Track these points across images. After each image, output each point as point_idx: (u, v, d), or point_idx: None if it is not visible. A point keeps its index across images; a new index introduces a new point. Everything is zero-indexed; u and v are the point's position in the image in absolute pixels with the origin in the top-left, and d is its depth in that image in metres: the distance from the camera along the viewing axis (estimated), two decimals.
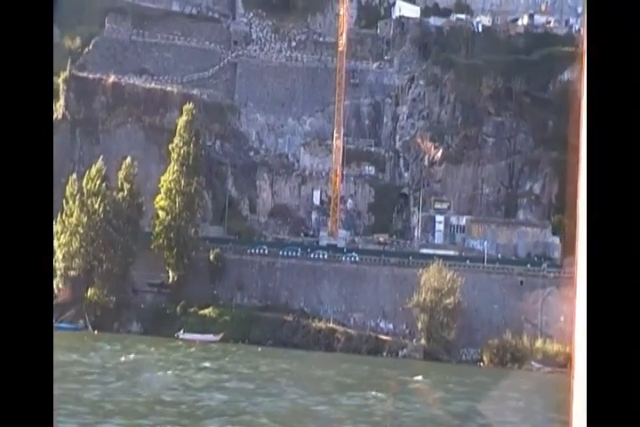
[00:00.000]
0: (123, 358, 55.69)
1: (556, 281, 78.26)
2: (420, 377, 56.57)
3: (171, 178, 78.72)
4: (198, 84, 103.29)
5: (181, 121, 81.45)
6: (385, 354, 75.45)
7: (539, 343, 74.79)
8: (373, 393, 46.16)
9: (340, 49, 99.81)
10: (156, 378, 47.46)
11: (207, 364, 57.39)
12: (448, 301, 74.21)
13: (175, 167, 79.52)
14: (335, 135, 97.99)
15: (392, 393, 49.06)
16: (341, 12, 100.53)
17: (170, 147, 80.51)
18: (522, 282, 79.06)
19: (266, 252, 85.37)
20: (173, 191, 78.99)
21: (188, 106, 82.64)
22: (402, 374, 60.72)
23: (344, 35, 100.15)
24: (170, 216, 78.58)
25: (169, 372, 50.72)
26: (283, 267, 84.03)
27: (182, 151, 79.86)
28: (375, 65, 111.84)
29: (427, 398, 46.67)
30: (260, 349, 71.37)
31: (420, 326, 76.43)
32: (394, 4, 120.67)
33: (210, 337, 72.99)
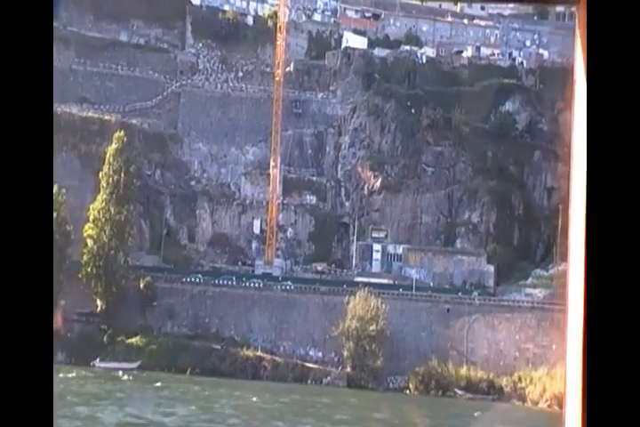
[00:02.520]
0: None
1: (481, 308, 78.85)
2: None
3: (99, 206, 79.11)
4: (140, 113, 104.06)
5: (111, 149, 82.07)
6: (310, 382, 75.62)
7: (463, 370, 75.16)
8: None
9: (278, 79, 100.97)
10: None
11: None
12: (372, 328, 74.66)
13: (104, 196, 79.99)
14: (272, 164, 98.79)
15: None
16: (278, 43, 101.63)
17: (99, 175, 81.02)
18: (448, 310, 79.58)
19: (199, 280, 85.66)
20: (102, 220, 79.33)
21: (119, 134, 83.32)
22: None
23: (281, 65, 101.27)
24: (98, 245, 78.88)
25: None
26: (214, 295, 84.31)
27: (112, 179, 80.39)
28: (320, 95, 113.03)
29: None
30: (183, 377, 71.48)
31: (345, 353, 76.74)
32: (343, 35, 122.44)
33: (127, 365, 73.02)
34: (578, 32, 2.38)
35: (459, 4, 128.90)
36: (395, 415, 58.87)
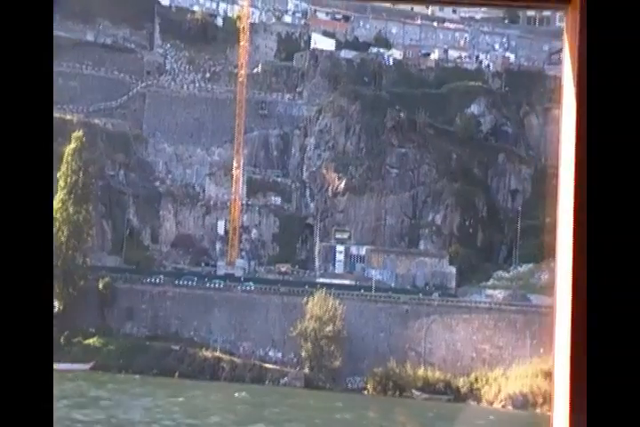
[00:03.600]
0: None
1: (439, 309, 79.07)
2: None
3: (56, 206, 78.82)
4: (104, 113, 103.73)
5: (69, 149, 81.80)
6: (267, 382, 75.59)
7: (421, 371, 75.33)
8: None
9: (241, 80, 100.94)
10: None
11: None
12: (329, 328, 74.73)
13: (61, 196, 79.72)
14: (235, 165, 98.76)
15: None
16: (242, 44, 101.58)
17: (57, 175, 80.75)
18: (407, 310, 79.76)
19: (159, 281, 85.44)
20: (60, 220, 79.04)
21: (77, 133, 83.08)
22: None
23: (244, 66, 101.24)
24: (55, 245, 78.53)
25: None
26: (175, 296, 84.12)
27: (70, 179, 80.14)
28: (288, 97, 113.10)
29: None
30: (137, 377, 71.35)
31: (303, 354, 76.74)
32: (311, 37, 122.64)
33: (79, 366, 72.71)
34: (566, 36, 2.36)
35: (430, 7, 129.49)
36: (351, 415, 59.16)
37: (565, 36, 2.34)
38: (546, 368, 68.40)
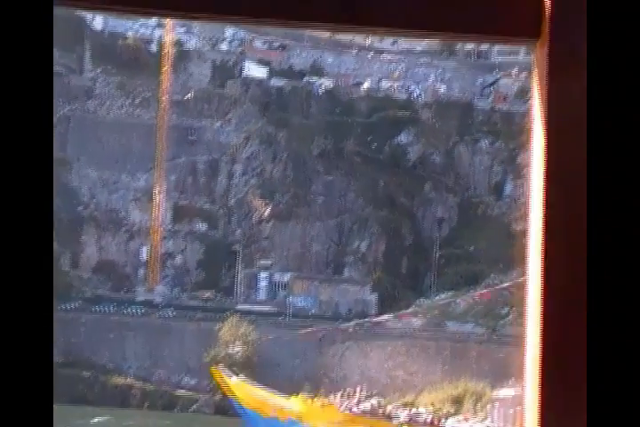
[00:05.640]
0: None
1: (354, 336, 78.75)
2: None
3: None
4: None
5: None
6: (177, 409, 74.54)
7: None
8: None
9: (163, 106, 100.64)
10: None
11: None
12: (238, 355, 73.99)
13: None
14: (156, 191, 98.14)
15: None
16: (164, 69, 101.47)
17: None
18: (322, 337, 79.37)
19: (74, 307, 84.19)
20: None
21: None
22: None
23: (166, 92, 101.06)
24: None
25: None
26: (88, 322, 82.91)
27: None
28: (218, 123, 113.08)
29: None
30: None
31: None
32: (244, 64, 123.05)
33: None
34: (536, 71, 2.18)
35: (369, 38, 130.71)
36: None
37: (534, 72, 2.20)
38: (455, 394, 68.34)
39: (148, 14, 2.35)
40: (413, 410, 63.89)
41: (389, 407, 61.58)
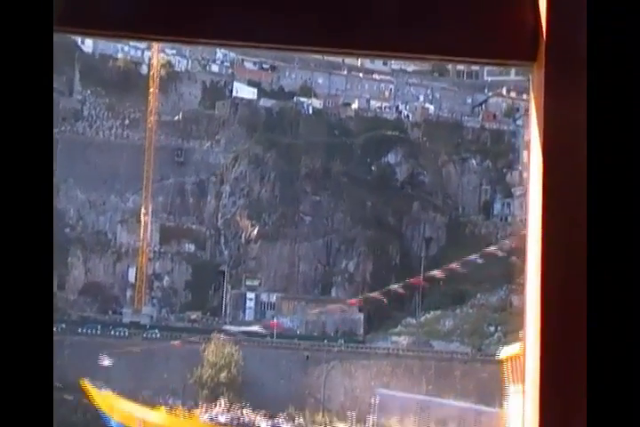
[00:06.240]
0: None
1: (339, 355, 78.50)
2: None
3: None
4: None
5: None
6: None
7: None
8: None
9: (150, 126, 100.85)
10: None
11: None
12: (223, 375, 73.75)
13: None
14: (143, 212, 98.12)
15: None
16: (151, 90, 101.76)
17: None
18: (307, 357, 79.12)
19: (59, 329, 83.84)
20: None
21: None
22: None
23: (153, 112, 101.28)
24: None
25: None
26: (73, 344, 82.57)
27: None
28: (207, 144, 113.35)
29: None
30: None
31: (200, 401, 75.46)
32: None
33: None
34: (532, 94, 2.17)
35: (359, 59, 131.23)
36: None
37: (531, 95, 2.19)
38: (440, 416, 68.05)
39: (141, 39, 2.38)
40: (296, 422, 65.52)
41: (257, 418, 63.34)
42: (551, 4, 2.16)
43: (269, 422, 60.93)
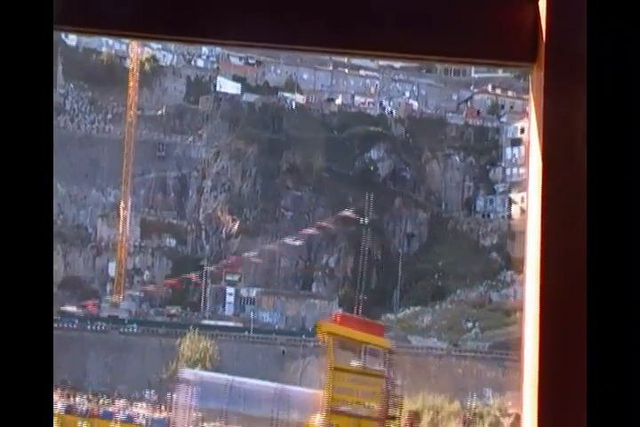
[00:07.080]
0: None
1: (315, 351, 78.28)
2: None
3: None
4: None
5: None
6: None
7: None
8: None
9: (129, 121, 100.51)
10: None
11: None
12: (197, 369, 73.49)
13: None
14: (122, 206, 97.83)
15: None
16: (130, 84, 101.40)
17: None
18: (284, 352, 78.98)
19: None
20: None
21: None
22: None
23: (133, 106, 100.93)
24: None
25: None
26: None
27: None
28: (190, 139, 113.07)
29: None
30: None
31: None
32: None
33: None
34: (532, 95, 2.18)
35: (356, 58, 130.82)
36: None
37: (531, 96, 2.20)
38: (414, 408, 67.90)
39: (142, 38, 2.35)
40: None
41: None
42: (551, 5, 2.14)
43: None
